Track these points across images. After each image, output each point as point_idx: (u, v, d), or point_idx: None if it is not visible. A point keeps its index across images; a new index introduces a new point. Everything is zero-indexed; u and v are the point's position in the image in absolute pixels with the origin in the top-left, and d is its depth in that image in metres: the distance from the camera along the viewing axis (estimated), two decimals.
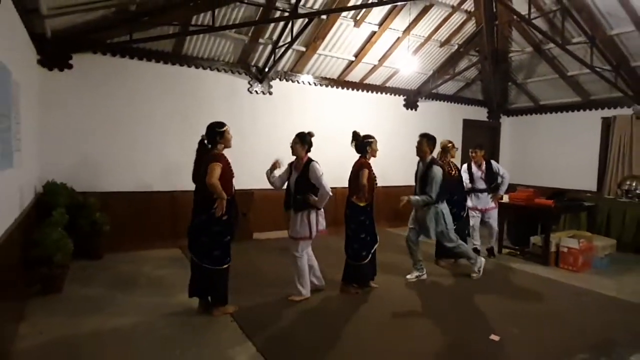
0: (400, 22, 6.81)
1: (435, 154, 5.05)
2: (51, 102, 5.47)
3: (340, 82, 7.96)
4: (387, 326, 3.78)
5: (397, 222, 8.18)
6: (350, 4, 5.99)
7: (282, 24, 6.13)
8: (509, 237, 6.75)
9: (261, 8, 5.78)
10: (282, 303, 4.18)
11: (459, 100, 9.58)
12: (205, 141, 3.83)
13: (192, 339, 3.38)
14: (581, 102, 8.60)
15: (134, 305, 4.06)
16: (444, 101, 9.37)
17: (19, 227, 3.49)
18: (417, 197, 4.78)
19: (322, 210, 4.34)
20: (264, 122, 7.18)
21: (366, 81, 8.21)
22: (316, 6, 6.09)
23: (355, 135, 4.58)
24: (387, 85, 8.52)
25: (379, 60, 7.68)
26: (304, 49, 6.90)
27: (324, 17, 6.26)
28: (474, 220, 6.01)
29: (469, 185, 6.02)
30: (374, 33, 6.96)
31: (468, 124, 9.70)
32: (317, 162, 4.23)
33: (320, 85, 7.77)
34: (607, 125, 8.21)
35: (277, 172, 4.42)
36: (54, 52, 5.41)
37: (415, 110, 8.94)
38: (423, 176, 4.83)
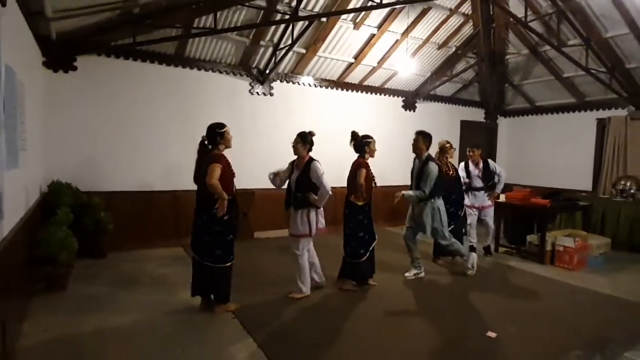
0: (399, 24, 6.81)
1: (433, 153, 5.05)
2: (56, 103, 5.47)
3: (339, 83, 7.95)
4: (386, 323, 3.78)
5: (395, 221, 8.18)
6: (350, 6, 5.99)
7: (282, 26, 6.12)
8: (506, 235, 6.75)
9: (262, 11, 5.78)
10: (282, 300, 4.18)
11: (456, 102, 9.58)
12: (206, 142, 3.83)
13: (194, 336, 3.38)
14: (576, 103, 8.59)
15: (136, 303, 4.05)
16: (441, 102, 9.36)
17: (24, 226, 3.49)
18: (410, 193, 4.78)
19: (322, 209, 4.34)
20: (264, 122, 7.17)
21: (365, 83, 8.20)
22: (316, 9, 6.08)
23: (354, 135, 4.57)
24: (386, 86, 8.51)
25: (378, 62, 7.68)
26: (304, 51, 6.89)
27: (324, 19, 6.25)
28: (471, 218, 6.01)
29: (466, 180, 6.05)
30: (373, 35, 6.95)
31: (465, 125, 9.70)
32: (318, 161, 4.23)
33: (320, 86, 7.76)
34: (602, 126, 8.20)
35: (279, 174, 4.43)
36: (59, 54, 5.41)
37: (414, 111, 8.93)
38: (419, 173, 4.84)
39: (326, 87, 7.83)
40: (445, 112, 9.39)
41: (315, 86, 7.70)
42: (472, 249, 6.10)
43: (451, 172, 5.64)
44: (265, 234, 7.01)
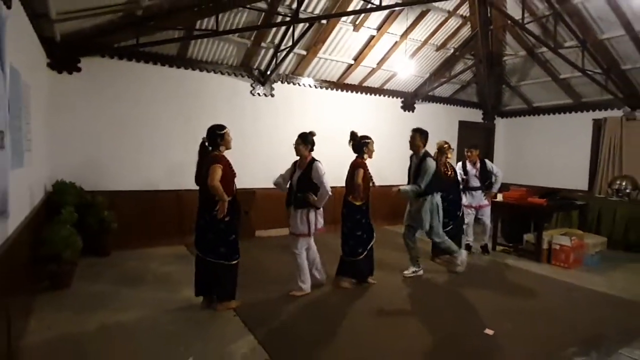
0: (398, 26, 6.81)
1: (430, 151, 5.05)
2: (60, 104, 5.47)
3: (339, 84, 7.95)
4: (384, 321, 3.78)
5: (394, 220, 8.18)
6: (350, 9, 5.98)
7: (283, 28, 6.12)
8: (503, 234, 6.75)
9: (263, 13, 5.77)
10: (283, 298, 4.19)
11: (454, 102, 9.57)
12: (206, 143, 3.83)
13: (197, 333, 3.38)
14: (573, 104, 8.58)
15: (140, 300, 4.05)
16: (440, 103, 9.36)
17: (29, 225, 3.49)
18: (406, 188, 4.79)
19: (322, 209, 4.35)
20: (265, 123, 7.17)
21: (365, 84, 8.20)
22: (316, 11, 6.08)
23: (353, 135, 4.57)
24: (385, 87, 8.50)
25: (377, 64, 7.67)
26: (304, 52, 6.89)
27: (324, 21, 6.25)
28: (468, 217, 6.03)
29: (464, 177, 6.07)
30: (372, 37, 6.95)
31: (463, 125, 9.69)
32: (320, 161, 4.24)
33: (321, 87, 7.76)
34: (598, 126, 8.19)
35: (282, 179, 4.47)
36: (63, 55, 5.41)
37: (413, 112, 8.93)
38: (417, 169, 4.84)
39: (326, 88, 7.82)
40: (443, 113, 9.38)
41: (316, 87, 7.70)
42: (468, 247, 6.14)
43: (450, 173, 5.65)
44: (266, 233, 7.01)
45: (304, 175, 4.22)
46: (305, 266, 4.32)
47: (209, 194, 3.62)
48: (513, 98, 9.56)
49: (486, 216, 6.16)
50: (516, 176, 9.31)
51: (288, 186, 4.42)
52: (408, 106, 8.86)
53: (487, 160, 6.24)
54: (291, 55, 6.63)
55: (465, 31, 7.53)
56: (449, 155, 5.75)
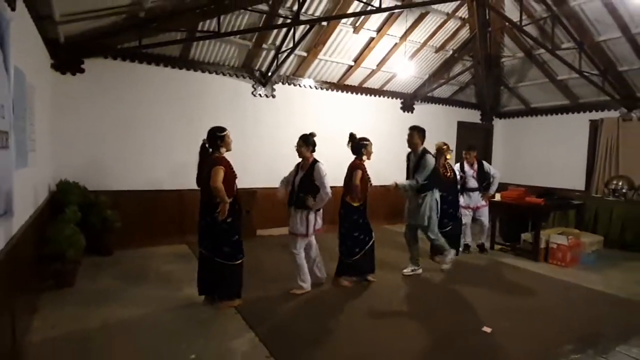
0: (398, 28, 6.80)
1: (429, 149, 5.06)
2: (64, 104, 5.47)
3: (340, 85, 7.95)
4: (382, 318, 3.78)
5: (394, 219, 8.18)
6: (350, 11, 5.98)
7: (284, 30, 6.13)
8: (501, 233, 6.75)
9: (265, 15, 5.77)
10: (284, 296, 4.19)
11: (453, 103, 9.57)
12: (207, 145, 3.84)
13: (199, 331, 3.38)
14: (570, 105, 8.58)
15: (142, 299, 4.05)
16: (439, 104, 9.35)
17: (34, 224, 3.49)
18: (404, 182, 4.79)
19: (321, 210, 4.35)
20: (266, 124, 7.17)
21: (365, 85, 8.20)
22: (317, 13, 6.08)
23: (352, 136, 4.57)
24: (385, 88, 8.50)
25: (377, 65, 7.67)
26: (305, 54, 6.89)
27: (324, 23, 6.25)
28: (466, 218, 6.04)
29: (462, 174, 6.09)
30: (372, 39, 6.95)
31: (462, 126, 9.68)
32: (322, 163, 4.24)
33: (321, 88, 7.76)
34: (595, 127, 8.19)
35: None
36: (67, 56, 5.41)
37: (412, 112, 8.92)
38: (416, 165, 4.85)
39: (327, 89, 7.82)
40: (442, 114, 9.38)
41: (316, 88, 7.70)
42: (466, 247, 6.15)
43: (449, 174, 5.66)
44: (267, 232, 7.00)
45: (306, 176, 4.22)
46: (304, 265, 4.32)
47: (210, 195, 3.62)
48: (511, 99, 9.55)
49: (484, 217, 6.17)
50: (514, 176, 9.31)
51: (290, 187, 4.42)
52: (407, 107, 8.86)
53: (484, 162, 6.25)
54: (292, 56, 6.63)
55: (464, 33, 7.52)
56: (448, 157, 5.75)
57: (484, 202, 6.12)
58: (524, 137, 9.58)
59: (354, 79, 7.93)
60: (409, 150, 5.06)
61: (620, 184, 7.19)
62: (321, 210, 4.36)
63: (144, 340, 3.23)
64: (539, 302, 4.30)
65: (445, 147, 5.72)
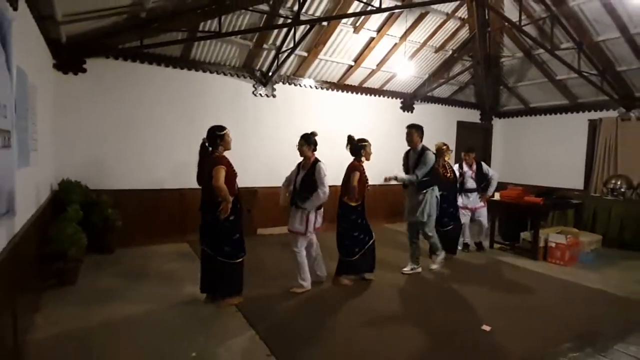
0: (398, 28, 6.80)
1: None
2: (66, 104, 5.47)
3: (340, 85, 7.94)
4: (382, 317, 3.77)
5: (393, 218, 8.18)
6: (350, 11, 5.97)
7: (285, 30, 6.12)
8: (500, 232, 6.75)
9: (265, 15, 5.77)
10: (284, 294, 4.19)
11: (453, 103, 9.56)
12: (207, 144, 3.84)
13: (200, 329, 3.39)
14: (569, 105, 8.57)
15: (144, 297, 4.06)
16: (438, 104, 9.35)
17: (36, 223, 3.49)
18: (403, 176, 4.79)
19: (322, 209, 4.35)
20: (267, 123, 7.17)
21: (365, 85, 8.19)
22: (317, 13, 6.07)
23: (350, 139, 4.57)
24: (385, 88, 8.50)
25: (377, 65, 7.66)
26: (305, 54, 6.88)
27: (324, 23, 6.24)
28: (465, 218, 6.06)
29: (460, 170, 6.10)
30: (372, 39, 6.94)
31: (462, 126, 9.68)
32: (323, 162, 4.23)
33: (321, 88, 7.75)
34: (594, 127, 8.18)
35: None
36: (69, 56, 5.41)
37: (412, 112, 8.92)
38: (416, 161, 4.85)
39: (327, 89, 7.82)
40: (442, 113, 9.38)
41: (317, 88, 7.69)
42: (466, 246, 6.16)
43: (449, 174, 5.66)
44: (267, 231, 7.01)
45: (307, 176, 4.22)
46: (305, 264, 4.32)
47: (212, 194, 3.63)
48: (510, 99, 9.54)
49: (483, 217, 6.19)
50: (513, 175, 9.31)
51: (292, 187, 4.41)
52: (407, 107, 8.86)
53: (483, 163, 6.27)
54: (292, 56, 6.63)
55: (464, 33, 7.51)
56: (447, 157, 5.76)
57: (481, 203, 6.13)
58: (523, 136, 9.57)
59: (354, 79, 7.92)
60: (408, 148, 5.06)
61: (618, 183, 7.19)
62: (322, 209, 4.36)
63: (145, 338, 3.23)
64: (537, 300, 4.30)
65: (445, 147, 5.73)
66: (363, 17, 6.27)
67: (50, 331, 3.27)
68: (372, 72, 7.83)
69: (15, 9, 2.70)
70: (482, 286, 4.66)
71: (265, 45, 6.48)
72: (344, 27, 6.51)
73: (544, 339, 3.35)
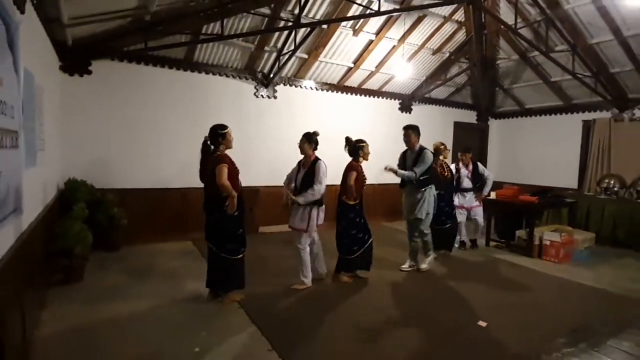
0: (396, 31, 6.79)
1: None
2: (72, 105, 5.47)
3: (340, 87, 7.94)
4: (381, 313, 3.77)
5: (392, 217, 8.18)
6: (350, 14, 5.97)
7: (286, 33, 6.11)
8: (496, 230, 6.75)
9: (267, 18, 5.77)
10: (285, 291, 4.19)
11: (450, 104, 9.55)
12: (209, 142, 3.83)
13: (203, 325, 3.38)
14: (563, 106, 8.56)
15: (148, 293, 4.06)
16: (436, 105, 9.34)
17: (43, 221, 3.49)
18: (403, 172, 4.79)
19: (324, 206, 4.35)
20: (269, 124, 7.17)
21: (364, 86, 8.19)
22: (317, 16, 6.06)
23: (348, 140, 4.57)
24: (384, 90, 8.49)
25: (376, 67, 7.66)
26: (306, 56, 6.88)
27: (324, 26, 6.24)
28: (461, 216, 6.05)
29: (457, 167, 6.11)
30: (371, 41, 6.93)
31: (458, 126, 9.67)
32: (323, 161, 4.23)
33: (322, 90, 7.75)
34: (588, 127, 8.17)
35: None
36: (75, 58, 5.41)
37: (410, 113, 8.91)
38: (415, 160, 4.84)
39: (327, 91, 7.81)
40: (439, 114, 9.37)
41: (317, 89, 7.69)
42: (462, 244, 6.16)
43: (446, 174, 5.66)
44: (269, 229, 7.01)
45: (307, 174, 4.22)
46: (308, 261, 4.32)
47: (215, 192, 3.63)
48: (506, 100, 9.54)
49: (479, 216, 6.19)
50: (509, 175, 9.32)
51: (293, 184, 4.41)
52: (405, 108, 8.85)
53: (479, 163, 6.27)
54: (293, 58, 6.63)
55: (460, 36, 7.51)
56: (445, 156, 5.75)
57: (477, 203, 6.14)
58: (518, 137, 9.57)
59: (353, 81, 7.91)
60: (405, 149, 5.06)
61: (612, 182, 7.19)
62: (323, 206, 4.35)
63: (149, 333, 3.23)
64: (532, 297, 4.30)
65: (442, 146, 5.72)
66: (362, 20, 6.26)
67: (57, 327, 3.27)
68: (371, 74, 7.83)
69: (22, 12, 2.70)
70: (478, 283, 4.66)
71: (266, 48, 6.47)
72: (344, 29, 6.51)
73: (539, 335, 3.36)
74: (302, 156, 4.37)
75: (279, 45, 6.44)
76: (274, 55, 6.63)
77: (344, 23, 6.30)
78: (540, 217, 6.88)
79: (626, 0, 5.00)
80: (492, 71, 8.51)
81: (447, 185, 5.63)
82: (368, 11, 5.45)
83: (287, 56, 6.37)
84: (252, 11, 5.41)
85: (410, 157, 4.95)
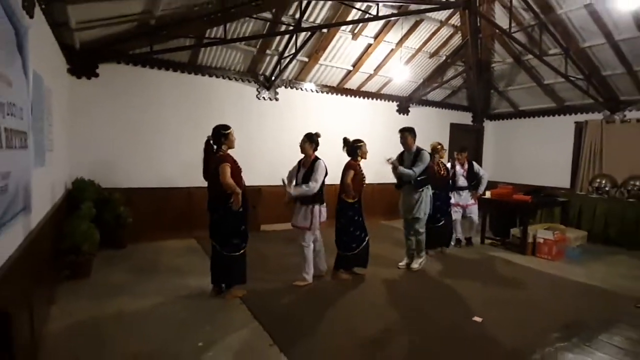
0: (394, 35, 6.78)
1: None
2: (80, 107, 5.46)
3: (339, 89, 7.93)
4: (379, 309, 3.77)
5: (391, 216, 8.17)
6: (349, 19, 5.96)
7: (287, 37, 6.11)
8: (491, 229, 6.74)
9: (268, 22, 5.76)
10: (287, 288, 4.19)
11: (446, 106, 9.55)
12: (211, 142, 3.83)
13: (206, 320, 3.38)
14: (556, 108, 8.56)
15: (153, 290, 4.06)
16: (432, 107, 9.34)
17: (51, 220, 3.49)
18: (402, 168, 4.78)
19: (325, 203, 4.34)
20: (270, 126, 7.16)
21: (363, 88, 8.18)
22: (318, 21, 6.06)
23: (346, 141, 4.55)
24: (382, 92, 8.48)
25: (375, 70, 7.65)
26: (306, 59, 6.87)
27: (325, 30, 6.23)
28: (456, 214, 6.04)
29: (453, 165, 6.12)
30: (369, 45, 6.93)
31: (454, 128, 9.67)
32: (323, 161, 4.23)
33: (322, 92, 7.74)
34: (580, 128, 8.17)
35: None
36: (82, 62, 5.40)
37: (407, 115, 8.90)
38: (413, 160, 4.84)
39: (327, 93, 7.81)
40: (435, 116, 9.37)
41: (317, 92, 7.68)
42: (458, 241, 6.16)
43: (442, 172, 5.65)
44: (271, 227, 7.01)
45: (307, 173, 4.21)
46: (311, 258, 4.32)
47: (218, 191, 3.63)
48: (501, 102, 9.53)
49: (474, 214, 6.18)
50: (503, 175, 9.32)
51: (294, 183, 4.40)
52: (403, 109, 8.84)
53: (474, 163, 6.26)
54: (294, 61, 6.62)
55: (456, 40, 7.50)
56: (442, 156, 5.75)
57: (472, 201, 6.13)
58: (513, 138, 9.56)
59: (352, 83, 7.91)
60: (402, 150, 5.05)
61: (603, 182, 7.19)
62: (325, 204, 4.35)
63: (154, 329, 3.23)
64: (526, 293, 4.30)
65: (439, 146, 5.72)
66: (361, 24, 6.25)
67: (65, 322, 3.27)
68: (370, 77, 7.82)
69: (31, 16, 2.70)
70: (473, 280, 4.66)
71: (268, 51, 6.47)
72: (343, 34, 6.50)
73: (533, 330, 3.35)
74: (303, 155, 4.36)
75: (281, 48, 6.44)
76: (276, 58, 6.63)
77: (343, 27, 6.30)
78: (534, 216, 6.88)
79: (617, 5, 4.99)
80: (487, 74, 8.51)
81: (444, 184, 5.63)
82: (367, 16, 5.44)
83: (288, 59, 6.36)
84: (255, 16, 5.41)
85: (408, 158, 4.95)
